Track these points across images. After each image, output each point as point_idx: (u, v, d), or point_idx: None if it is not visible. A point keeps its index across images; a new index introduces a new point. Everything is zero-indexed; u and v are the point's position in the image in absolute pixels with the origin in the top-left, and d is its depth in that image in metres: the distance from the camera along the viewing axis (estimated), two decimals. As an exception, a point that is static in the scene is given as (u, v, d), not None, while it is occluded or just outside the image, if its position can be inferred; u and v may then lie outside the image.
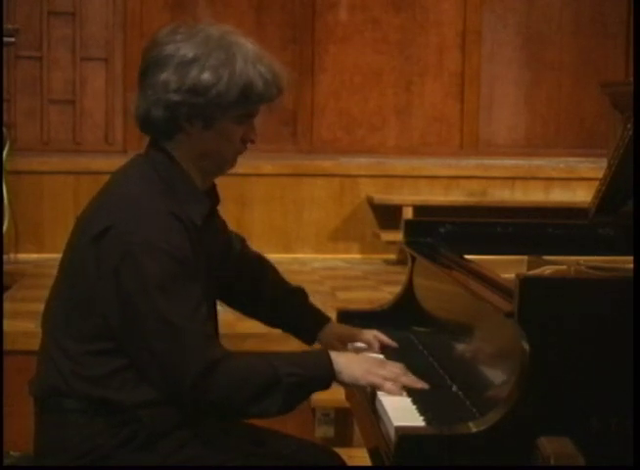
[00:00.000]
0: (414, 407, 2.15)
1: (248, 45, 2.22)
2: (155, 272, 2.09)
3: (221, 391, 2.11)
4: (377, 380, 2.24)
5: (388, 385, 2.23)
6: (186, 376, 2.08)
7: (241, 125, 2.24)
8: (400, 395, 2.22)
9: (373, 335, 2.59)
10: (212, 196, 2.35)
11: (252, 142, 2.29)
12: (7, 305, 4.61)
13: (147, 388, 2.15)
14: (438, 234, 2.83)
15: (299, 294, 2.68)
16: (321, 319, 2.65)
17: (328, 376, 2.22)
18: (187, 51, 2.17)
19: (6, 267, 5.44)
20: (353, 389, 2.54)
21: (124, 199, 2.19)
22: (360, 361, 2.30)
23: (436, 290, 2.68)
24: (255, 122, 2.28)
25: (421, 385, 2.25)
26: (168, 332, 2.09)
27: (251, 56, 2.20)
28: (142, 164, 2.27)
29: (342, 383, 2.27)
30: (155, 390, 2.14)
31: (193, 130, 2.21)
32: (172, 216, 2.15)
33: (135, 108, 2.24)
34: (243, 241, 2.65)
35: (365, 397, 2.36)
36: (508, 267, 2.51)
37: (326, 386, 2.24)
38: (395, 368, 2.28)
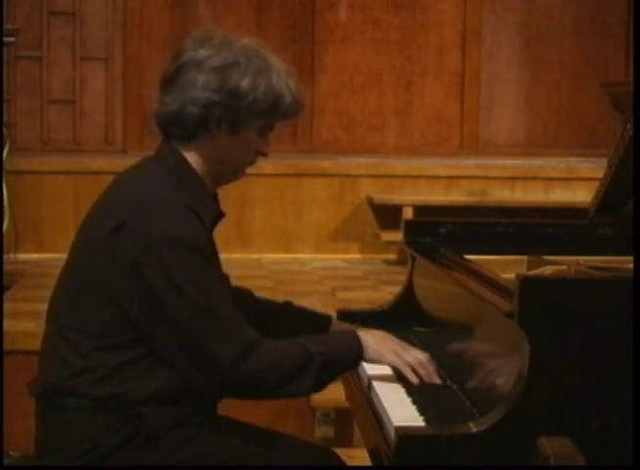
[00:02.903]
0: (414, 407, 2.15)
1: (278, 60, 2.30)
2: (178, 265, 2.11)
3: (257, 372, 2.15)
4: (399, 362, 2.31)
5: (408, 370, 2.30)
6: (223, 360, 2.12)
7: (260, 137, 2.30)
8: (416, 382, 2.27)
9: None
10: (217, 204, 2.36)
11: (264, 155, 2.34)
12: (7, 305, 4.61)
13: (153, 381, 2.17)
14: (438, 234, 2.83)
15: (291, 304, 2.69)
16: (327, 318, 2.66)
17: (356, 353, 2.29)
18: (227, 55, 2.23)
19: (6, 267, 5.43)
20: (353, 386, 2.54)
21: (137, 194, 2.20)
22: (387, 341, 2.36)
23: (436, 290, 2.68)
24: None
25: (437, 381, 2.31)
26: (202, 319, 2.12)
27: (283, 71, 2.28)
28: (152, 164, 2.29)
29: (367, 360, 2.32)
30: (175, 380, 2.16)
31: (218, 134, 2.24)
32: (187, 209, 2.17)
33: (160, 105, 2.25)
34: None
35: (363, 392, 2.36)
36: (508, 267, 2.51)
37: (355, 363, 2.33)
38: (420, 356, 2.34)
